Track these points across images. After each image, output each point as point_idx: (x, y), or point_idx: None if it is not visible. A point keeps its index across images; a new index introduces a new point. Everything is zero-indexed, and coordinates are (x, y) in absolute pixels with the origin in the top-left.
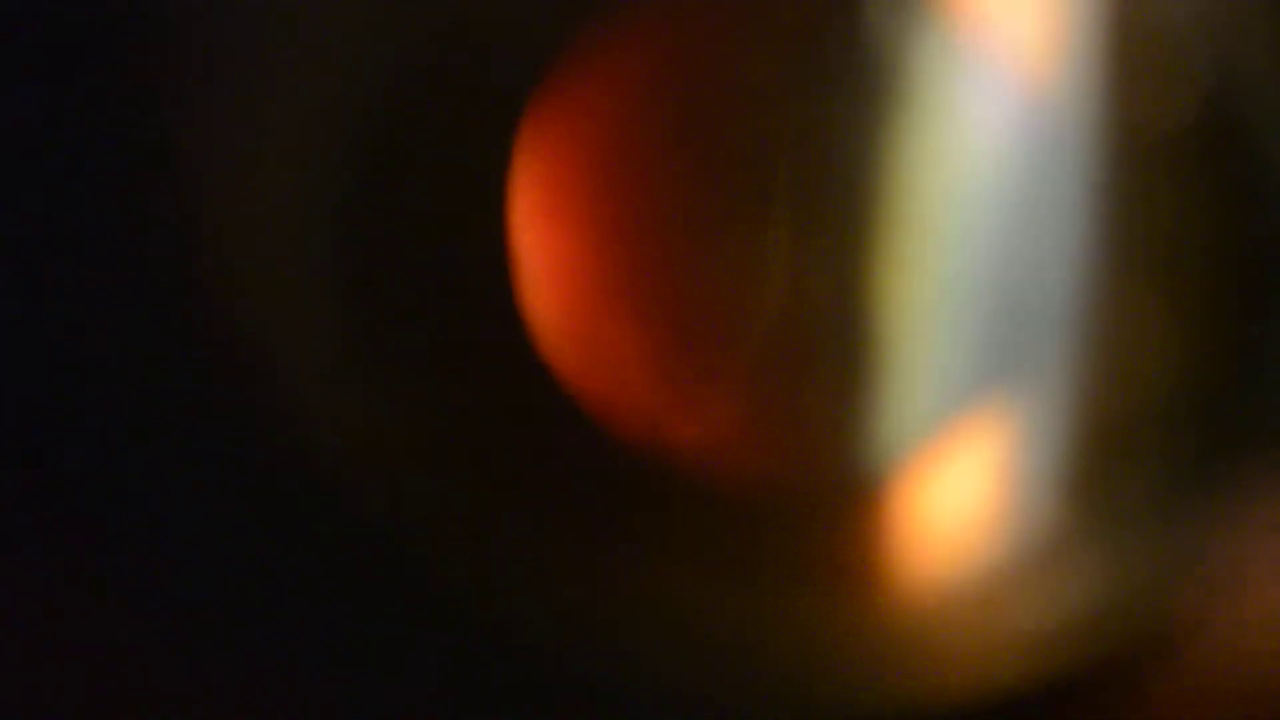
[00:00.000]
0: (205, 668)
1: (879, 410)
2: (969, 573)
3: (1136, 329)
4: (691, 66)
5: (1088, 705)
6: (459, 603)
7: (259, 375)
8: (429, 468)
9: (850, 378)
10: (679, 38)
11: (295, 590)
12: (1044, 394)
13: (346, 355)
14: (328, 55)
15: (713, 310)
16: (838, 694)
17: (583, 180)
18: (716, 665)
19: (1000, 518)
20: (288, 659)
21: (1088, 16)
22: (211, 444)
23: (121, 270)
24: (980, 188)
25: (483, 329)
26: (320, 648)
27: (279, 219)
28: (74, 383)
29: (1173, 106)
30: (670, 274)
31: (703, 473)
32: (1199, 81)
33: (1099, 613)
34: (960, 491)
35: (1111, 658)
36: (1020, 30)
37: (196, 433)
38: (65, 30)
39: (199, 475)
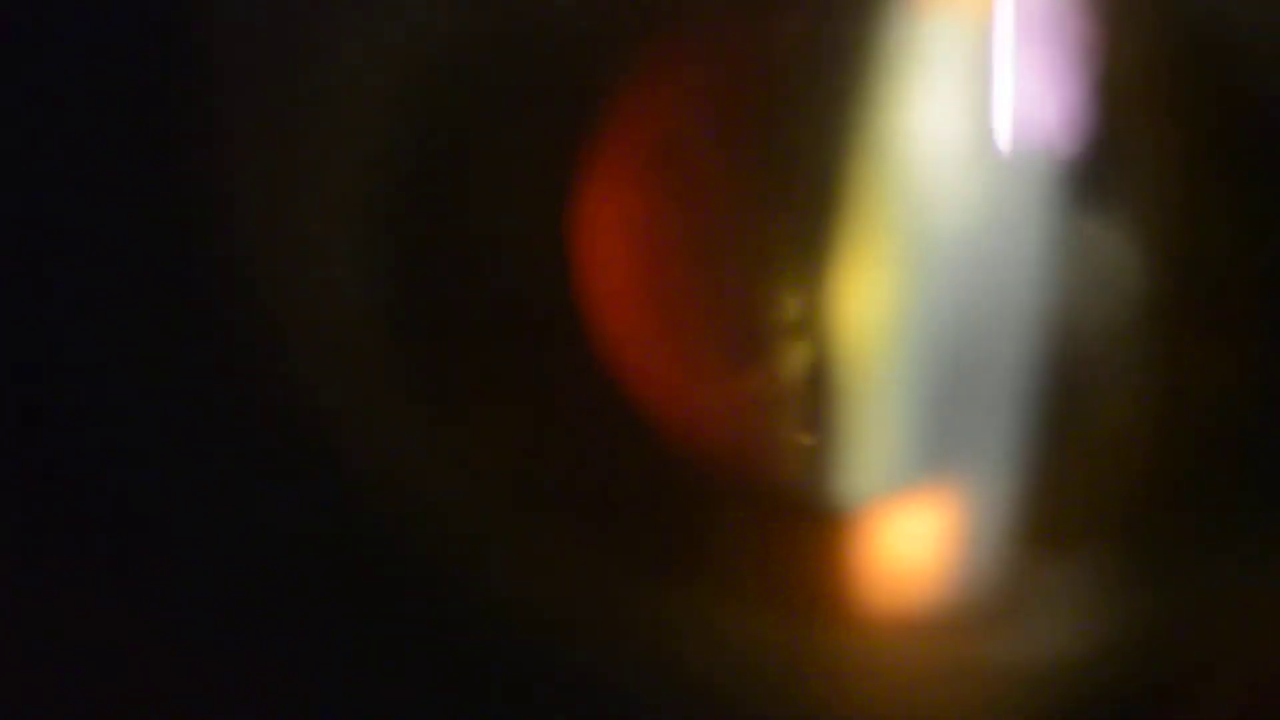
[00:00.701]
0: (207, 668)
1: (861, 444)
2: (935, 609)
3: (1118, 370)
4: (739, 87)
5: None
6: (472, 606)
7: (300, 391)
8: (462, 471)
9: (834, 406)
10: (725, 62)
11: (309, 595)
12: (1015, 445)
13: (390, 371)
14: (380, 73)
15: (739, 322)
16: (804, 708)
17: (639, 201)
18: (693, 670)
19: (968, 561)
20: (297, 661)
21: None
22: (244, 457)
23: (156, 283)
24: (968, 202)
25: (529, 341)
26: (333, 652)
27: (325, 235)
28: (101, 395)
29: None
30: (711, 285)
31: (724, 471)
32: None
33: (1071, 658)
34: (930, 534)
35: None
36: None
37: (230, 442)
38: (99, 48)
39: (228, 482)
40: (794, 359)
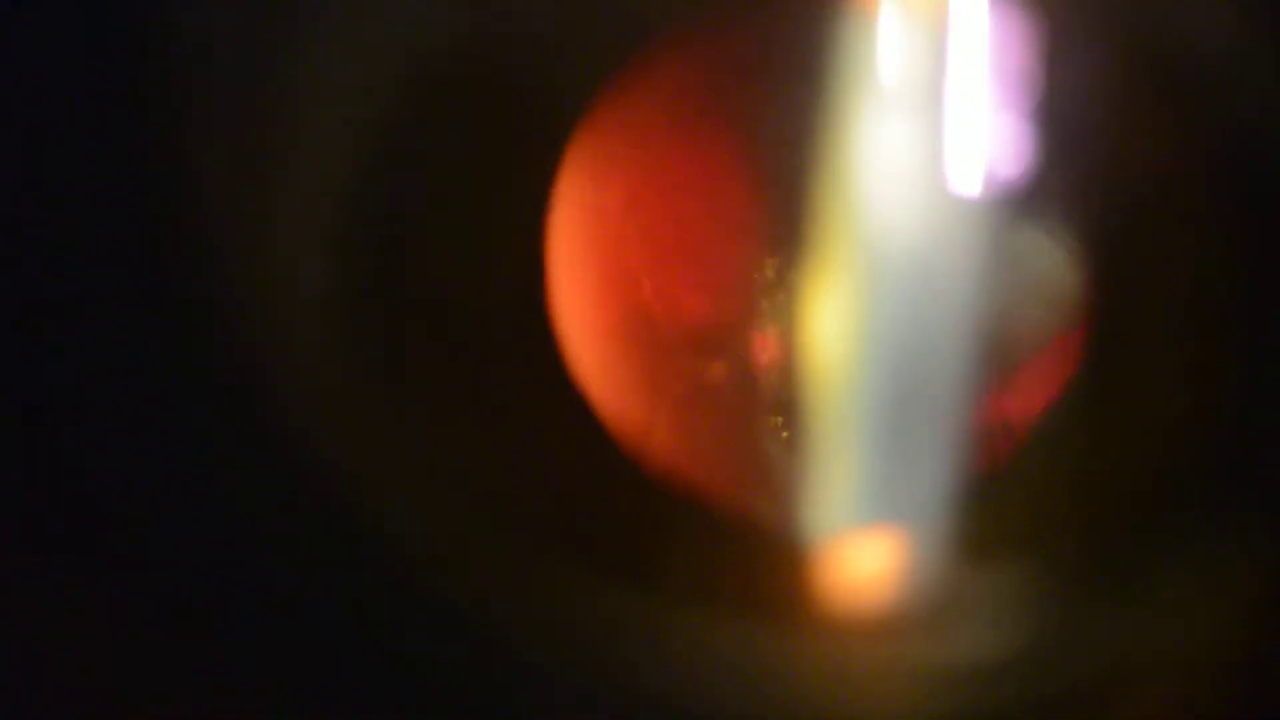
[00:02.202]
0: (206, 670)
1: (824, 477)
2: (890, 620)
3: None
4: (722, 100)
5: None
6: (435, 611)
7: (270, 396)
8: (428, 478)
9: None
10: (709, 71)
11: (274, 599)
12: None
13: (357, 376)
14: (355, 73)
15: (709, 338)
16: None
17: (611, 211)
18: (674, 673)
19: (914, 573)
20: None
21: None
22: (223, 456)
23: (133, 286)
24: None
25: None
26: (296, 652)
27: (298, 239)
28: (82, 392)
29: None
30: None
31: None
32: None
33: (1006, 662)
34: (880, 550)
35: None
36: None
37: (210, 444)
38: (82, 47)
39: (211, 485)
40: (764, 383)
